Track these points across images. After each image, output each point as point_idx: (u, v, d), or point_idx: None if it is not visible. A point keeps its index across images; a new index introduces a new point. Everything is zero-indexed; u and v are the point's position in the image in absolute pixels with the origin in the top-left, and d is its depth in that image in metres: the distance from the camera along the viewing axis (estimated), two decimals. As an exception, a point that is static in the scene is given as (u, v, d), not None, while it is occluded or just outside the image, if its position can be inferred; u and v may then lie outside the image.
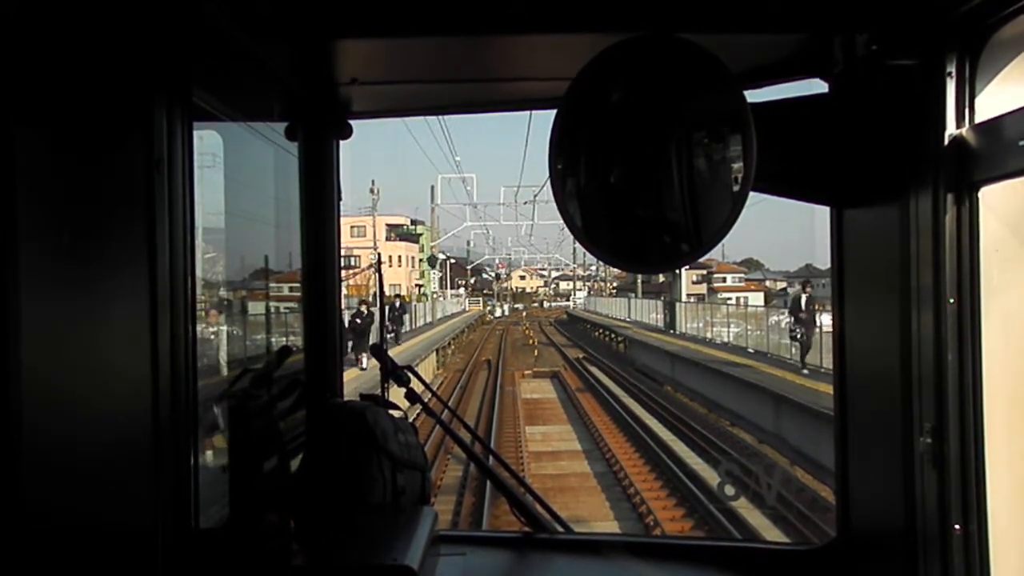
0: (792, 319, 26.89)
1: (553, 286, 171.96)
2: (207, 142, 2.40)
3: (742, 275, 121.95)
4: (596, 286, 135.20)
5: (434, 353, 41.45)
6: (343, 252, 3.48)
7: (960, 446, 2.08)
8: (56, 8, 1.50)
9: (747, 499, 14.73)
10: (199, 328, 2.03)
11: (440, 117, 43.31)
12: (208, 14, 2.06)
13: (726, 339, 39.76)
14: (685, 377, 34.73)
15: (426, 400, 3.26)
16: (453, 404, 28.61)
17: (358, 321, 26.30)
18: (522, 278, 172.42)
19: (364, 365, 23.73)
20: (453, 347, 53.96)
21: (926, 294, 2.16)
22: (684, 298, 56.66)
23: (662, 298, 62.28)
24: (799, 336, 26.17)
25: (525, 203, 77.92)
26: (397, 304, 40.63)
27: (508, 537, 3.20)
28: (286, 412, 2.61)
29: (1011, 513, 2.08)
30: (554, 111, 2.14)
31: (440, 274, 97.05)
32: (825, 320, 27.31)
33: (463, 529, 13.85)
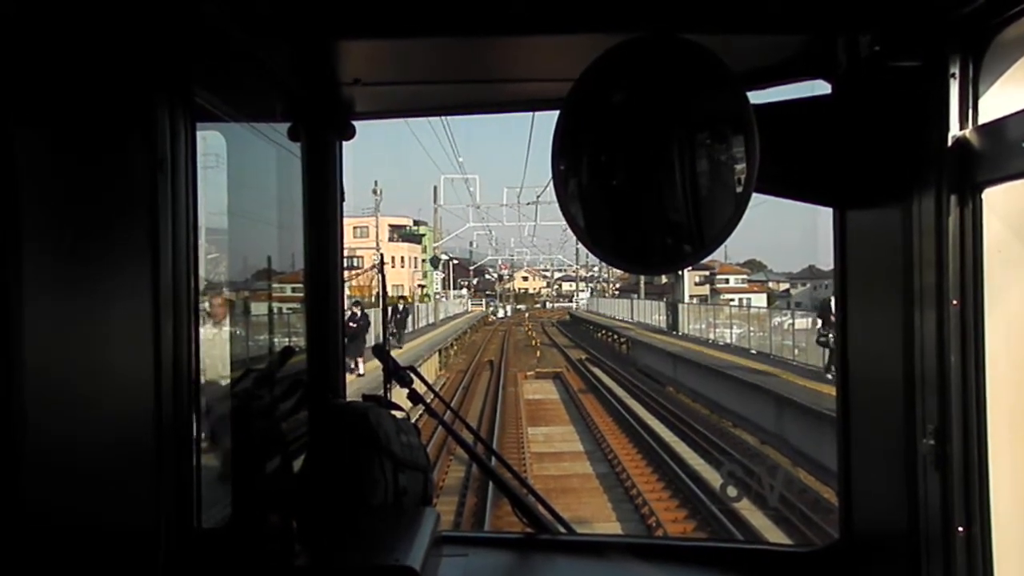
0: (821, 322, 25.87)
1: (556, 287, 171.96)
2: (210, 143, 2.40)
3: (745, 276, 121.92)
4: (599, 287, 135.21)
5: (437, 354, 41.41)
6: (346, 253, 3.48)
7: (963, 448, 2.08)
8: (58, 9, 1.51)
9: (750, 500, 14.72)
10: (201, 328, 2.03)
11: (443, 118, 43.32)
12: (210, 15, 2.07)
13: (729, 340, 39.77)
14: (687, 379, 34.73)
15: (428, 401, 3.26)
16: (455, 405, 28.60)
17: (352, 325, 25.18)
18: (525, 279, 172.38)
19: (361, 370, 23.11)
20: (455, 348, 53.97)
21: (929, 295, 2.16)
22: (687, 299, 56.66)
23: (665, 299, 62.30)
24: (828, 341, 25.07)
25: (528, 204, 78.01)
26: (400, 307, 39.89)
27: (510, 538, 3.20)
28: (288, 413, 2.61)
29: (1014, 515, 2.07)
30: (557, 112, 2.14)
31: (443, 275, 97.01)
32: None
33: (465, 530, 13.85)
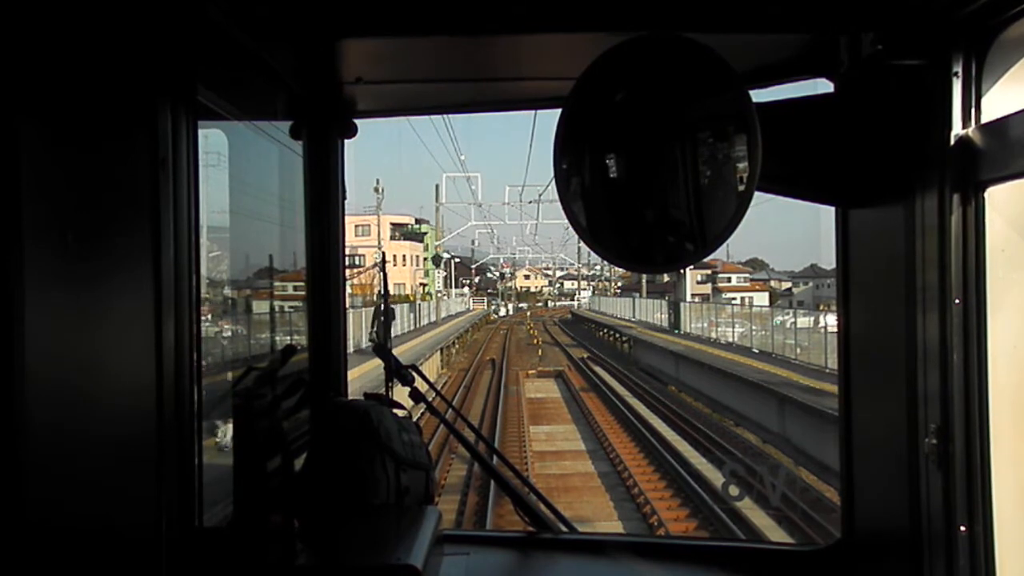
0: None
1: (557, 286, 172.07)
2: (212, 141, 2.41)
3: (747, 275, 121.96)
4: (600, 286, 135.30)
5: (438, 352, 41.36)
6: (347, 251, 3.48)
7: (965, 447, 2.08)
8: (62, 9, 1.51)
9: (751, 500, 14.72)
10: (203, 327, 2.04)
11: (445, 116, 43.25)
12: (212, 15, 2.07)
13: (731, 339, 39.79)
14: (689, 378, 34.77)
15: (430, 399, 3.26)
16: (457, 403, 28.61)
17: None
18: (526, 277, 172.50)
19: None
20: (457, 346, 54.00)
21: (931, 294, 2.15)
22: (688, 298, 56.64)
23: (667, 298, 62.28)
24: None
25: (530, 202, 77.59)
26: (381, 307, 32.31)
27: (512, 537, 3.20)
28: (290, 411, 2.61)
29: (1016, 514, 2.07)
30: (559, 110, 2.14)
31: (444, 273, 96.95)
32: (830, 320, 27.26)
33: (467, 529, 13.85)
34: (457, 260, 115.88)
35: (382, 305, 3.41)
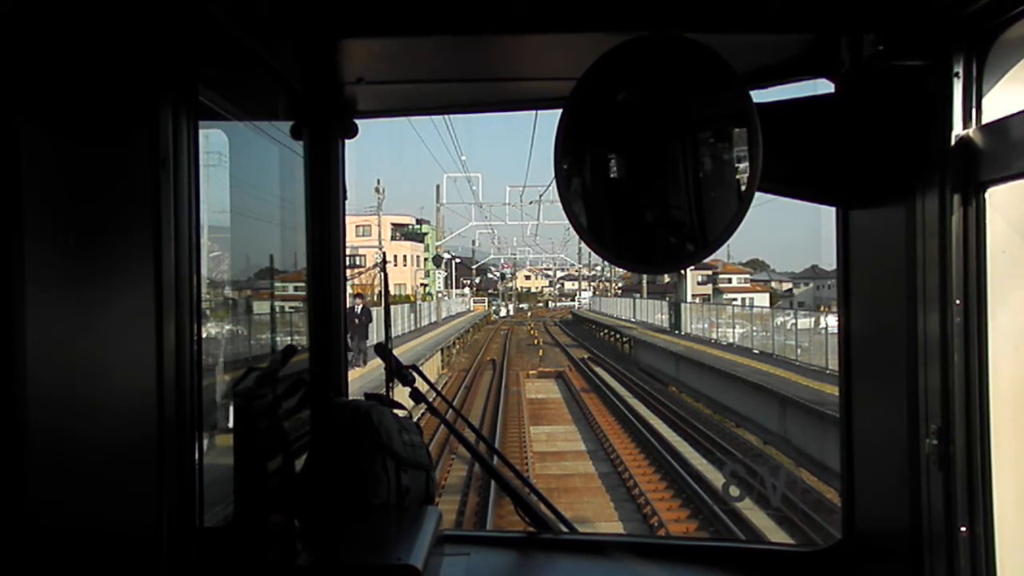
0: None
1: (558, 286, 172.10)
2: (213, 141, 2.40)
3: (747, 276, 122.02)
4: (601, 286, 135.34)
5: (439, 353, 41.38)
6: (348, 251, 3.48)
7: (966, 448, 2.08)
8: (63, 8, 1.51)
9: (752, 500, 14.72)
10: (204, 327, 2.04)
11: (446, 116, 43.27)
12: (213, 14, 2.07)
13: (731, 340, 39.79)
14: (690, 378, 34.78)
15: (431, 400, 3.26)
16: (458, 404, 28.59)
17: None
18: (527, 278, 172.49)
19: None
20: (458, 347, 54.02)
21: (932, 295, 2.15)
22: (689, 299, 56.61)
23: (667, 298, 62.25)
24: None
25: (531, 203, 77.66)
26: (358, 309, 25.39)
27: (512, 537, 3.20)
28: (291, 411, 2.61)
29: (1017, 515, 2.07)
30: (560, 111, 2.14)
31: (445, 274, 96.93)
32: (831, 321, 27.30)
33: (467, 529, 13.85)
34: (458, 260, 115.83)
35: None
